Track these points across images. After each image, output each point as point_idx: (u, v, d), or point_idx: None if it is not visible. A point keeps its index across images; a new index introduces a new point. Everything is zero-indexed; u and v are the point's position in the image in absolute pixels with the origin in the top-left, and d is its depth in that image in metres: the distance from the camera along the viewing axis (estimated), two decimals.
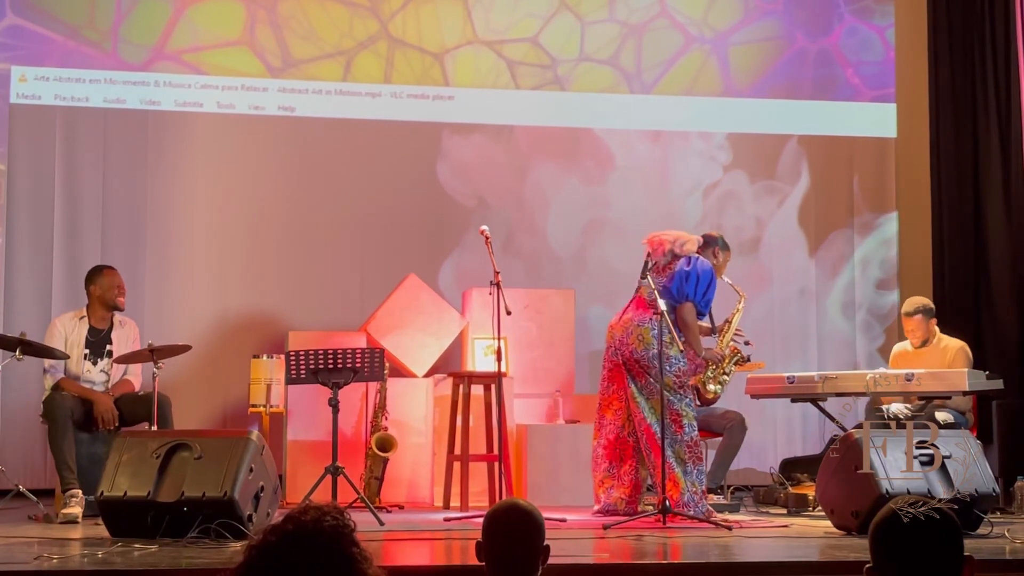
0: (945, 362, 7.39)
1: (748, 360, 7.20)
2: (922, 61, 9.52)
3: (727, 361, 7.03)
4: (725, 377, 7.05)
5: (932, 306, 7.67)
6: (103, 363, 6.86)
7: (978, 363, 7.56)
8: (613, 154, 9.25)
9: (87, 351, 6.84)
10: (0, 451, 6.96)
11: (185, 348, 6.92)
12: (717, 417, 7.46)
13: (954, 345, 7.52)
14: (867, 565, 2.49)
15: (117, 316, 6.97)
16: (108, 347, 6.89)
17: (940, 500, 2.54)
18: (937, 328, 7.60)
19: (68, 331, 6.84)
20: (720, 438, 7.47)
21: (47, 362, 6.78)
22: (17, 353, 6.61)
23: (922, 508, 2.42)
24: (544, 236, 9.10)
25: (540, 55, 9.23)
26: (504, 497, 6.33)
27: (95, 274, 7.03)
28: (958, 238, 9.21)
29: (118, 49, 8.66)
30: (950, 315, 7.80)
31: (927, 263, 9.35)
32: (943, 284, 9.19)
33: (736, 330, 7.12)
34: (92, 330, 6.89)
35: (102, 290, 6.92)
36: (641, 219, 9.04)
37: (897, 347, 7.83)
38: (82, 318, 6.90)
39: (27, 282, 8.34)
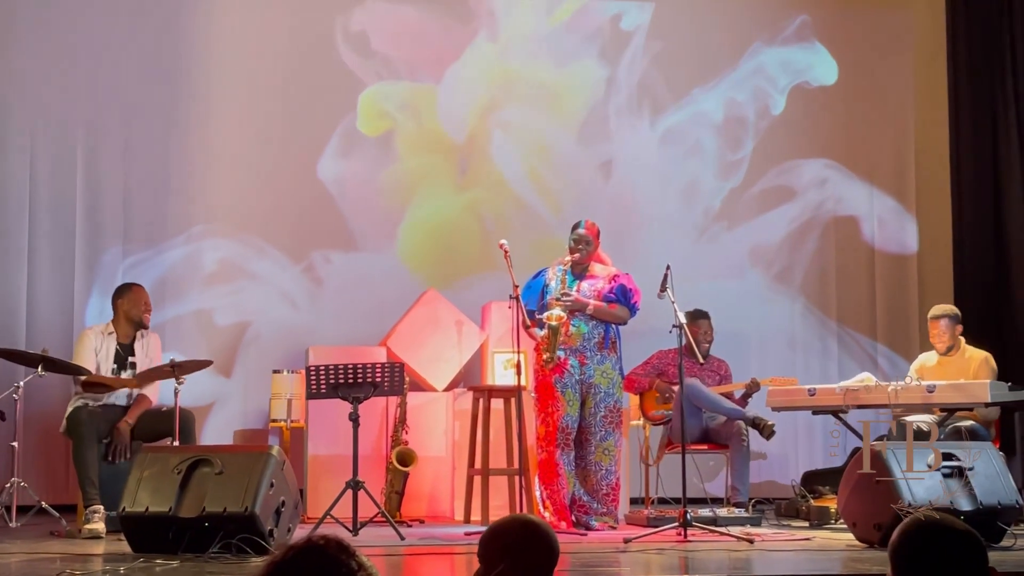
0: (969, 372, 7.32)
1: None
2: (941, 67, 9.46)
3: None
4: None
5: (958, 313, 7.58)
6: (126, 375, 6.93)
7: (1001, 373, 7.50)
8: (632, 173, 9.23)
9: (115, 366, 6.89)
10: (22, 467, 6.97)
11: (207, 363, 6.95)
12: (718, 427, 7.49)
13: (978, 356, 7.46)
14: None
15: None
16: (131, 359, 6.95)
17: (961, 514, 2.52)
18: (962, 337, 7.54)
19: (99, 344, 6.90)
20: (726, 449, 7.49)
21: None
22: (39, 370, 6.65)
23: (941, 522, 2.41)
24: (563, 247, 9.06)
25: None
26: (524, 511, 6.33)
27: (123, 291, 7.10)
28: (979, 244, 9.13)
29: None
30: (971, 323, 7.74)
31: (947, 270, 9.28)
32: (964, 292, 9.09)
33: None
34: (120, 345, 6.95)
35: (129, 306, 6.98)
36: (664, 225, 9.01)
37: (920, 358, 7.75)
38: (111, 333, 6.95)
39: (49, 294, 8.32)
